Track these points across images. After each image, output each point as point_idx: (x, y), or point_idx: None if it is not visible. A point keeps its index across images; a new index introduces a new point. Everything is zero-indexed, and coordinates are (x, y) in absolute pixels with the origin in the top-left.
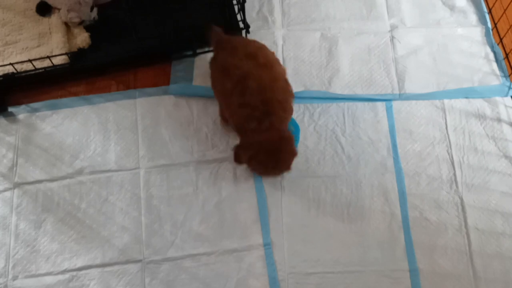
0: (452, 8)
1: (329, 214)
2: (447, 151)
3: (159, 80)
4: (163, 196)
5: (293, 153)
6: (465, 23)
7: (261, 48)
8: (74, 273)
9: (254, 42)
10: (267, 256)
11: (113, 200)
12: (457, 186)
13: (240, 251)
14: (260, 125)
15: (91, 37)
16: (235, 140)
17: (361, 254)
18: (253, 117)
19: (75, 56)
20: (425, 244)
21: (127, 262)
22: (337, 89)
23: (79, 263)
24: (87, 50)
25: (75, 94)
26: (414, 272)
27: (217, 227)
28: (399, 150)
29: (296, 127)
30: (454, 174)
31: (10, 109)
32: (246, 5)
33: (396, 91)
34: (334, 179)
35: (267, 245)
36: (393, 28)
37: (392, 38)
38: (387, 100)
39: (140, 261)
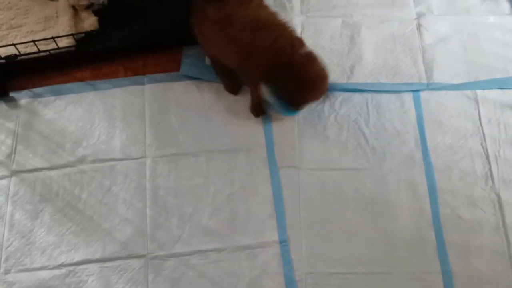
0: None
1: (352, 209)
2: (481, 144)
3: (169, 67)
4: (171, 187)
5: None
6: (497, 11)
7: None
8: (72, 267)
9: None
10: (283, 254)
11: (116, 191)
12: (493, 182)
13: (253, 248)
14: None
15: (99, 21)
16: (248, 127)
17: (387, 253)
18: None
19: (82, 40)
20: (459, 244)
21: (129, 257)
22: (360, 77)
23: (77, 257)
24: (95, 34)
25: (80, 79)
26: (447, 274)
27: (228, 221)
28: (428, 143)
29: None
30: (490, 169)
31: (12, 94)
32: None
33: (424, 81)
34: (357, 172)
35: (283, 242)
36: (419, 15)
37: (419, 26)
38: (414, 90)
39: (143, 256)
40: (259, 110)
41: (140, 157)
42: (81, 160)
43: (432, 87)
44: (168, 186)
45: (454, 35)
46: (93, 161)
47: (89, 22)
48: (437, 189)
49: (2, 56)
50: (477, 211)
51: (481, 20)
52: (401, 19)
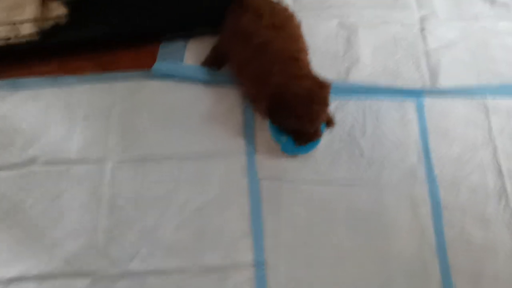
0: (492, 2)
1: (342, 230)
2: (493, 157)
3: (144, 63)
4: (132, 196)
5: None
6: (508, 17)
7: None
8: (1, 286)
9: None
10: (257, 279)
11: (68, 197)
12: (507, 201)
13: (223, 270)
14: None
15: (69, 12)
16: (228, 132)
17: (383, 283)
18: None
19: (48, 31)
20: (468, 272)
21: (74, 274)
22: (356, 81)
23: (12, 272)
24: (63, 26)
25: (43, 74)
26: None
27: (196, 237)
28: (432, 155)
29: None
30: (503, 186)
31: None
32: None
33: (428, 86)
34: (350, 187)
35: (259, 265)
36: (423, 19)
37: (422, 30)
38: (417, 93)
39: (90, 274)
40: (213, 60)
41: (100, 160)
42: (32, 160)
43: (437, 91)
44: (129, 195)
45: (461, 41)
46: (45, 163)
47: (58, 12)
48: (441, 207)
49: None
50: (489, 233)
51: (491, 26)
52: (402, 22)
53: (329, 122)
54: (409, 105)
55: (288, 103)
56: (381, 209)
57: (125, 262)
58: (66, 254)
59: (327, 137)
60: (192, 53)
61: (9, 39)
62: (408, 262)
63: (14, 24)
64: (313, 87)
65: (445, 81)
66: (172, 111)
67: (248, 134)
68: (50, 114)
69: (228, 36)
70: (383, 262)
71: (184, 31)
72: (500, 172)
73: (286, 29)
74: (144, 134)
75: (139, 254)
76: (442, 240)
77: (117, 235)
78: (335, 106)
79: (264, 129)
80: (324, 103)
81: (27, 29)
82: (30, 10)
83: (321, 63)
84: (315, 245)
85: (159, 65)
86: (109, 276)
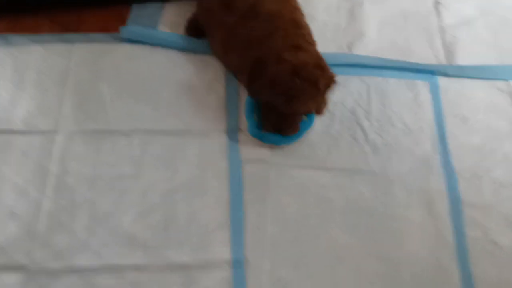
0: None
1: (340, 225)
2: None
3: (111, 26)
4: (85, 174)
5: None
6: None
7: None
8: None
9: None
10: (235, 281)
11: (6, 172)
12: None
13: (192, 269)
14: None
15: None
16: (206, 106)
17: None
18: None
19: None
20: (493, 280)
21: (4, 268)
22: None
23: None
24: None
25: None
26: None
27: (160, 228)
28: (449, 142)
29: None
30: None
31: None
32: None
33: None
34: (351, 175)
35: (237, 264)
36: None
37: (436, 4)
38: (431, 71)
39: (24, 268)
40: (194, 28)
41: (50, 131)
42: None
43: (454, 70)
44: (82, 173)
45: (480, 18)
46: None
47: None
48: (461, 203)
49: None
50: None
51: None
52: None
53: (319, 110)
54: (422, 85)
55: (270, 70)
56: (388, 203)
57: (70, 254)
58: None
59: (324, 117)
60: (169, 18)
61: None
62: (421, 267)
63: None
64: (307, 63)
65: (462, 61)
66: (140, 80)
67: (231, 109)
68: None
69: (206, 4)
70: (390, 266)
71: None
72: None
73: None
74: (104, 105)
75: (89, 246)
76: (463, 243)
77: (63, 221)
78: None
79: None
80: (314, 85)
81: None
82: None
83: (320, 35)
84: (307, 242)
85: (129, 28)
86: (48, 270)
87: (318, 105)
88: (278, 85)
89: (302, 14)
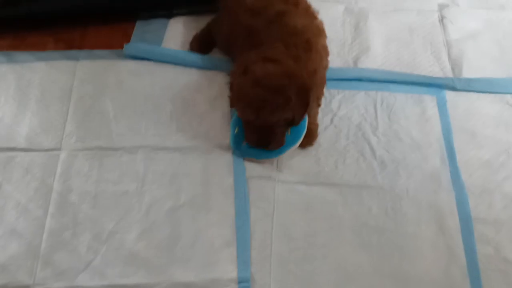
0: None
1: (349, 243)
2: None
3: (116, 42)
4: (88, 192)
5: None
6: None
7: None
8: None
9: None
10: None
11: (8, 190)
12: None
13: None
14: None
15: None
16: (211, 122)
17: None
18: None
19: (5, 1)
20: None
21: (3, 286)
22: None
23: None
24: None
25: None
26: None
27: (165, 246)
28: (458, 158)
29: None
30: None
31: None
32: None
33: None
34: (359, 192)
35: (244, 283)
36: (442, 7)
37: (442, 18)
38: (438, 86)
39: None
40: (200, 44)
41: (53, 149)
42: None
43: (462, 84)
44: (85, 190)
45: (487, 32)
46: None
47: None
48: (472, 219)
49: None
50: None
51: None
52: (418, 9)
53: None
54: (430, 99)
55: (236, 82)
56: (397, 220)
57: (72, 274)
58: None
59: (331, 132)
60: (173, 35)
61: None
62: (433, 286)
63: None
64: (271, 73)
65: (469, 74)
66: (144, 97)
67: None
68: None
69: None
70: (402, 285)
71: (163, 10)
72: None
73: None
74: (108, 121)
75: (92, 265)
76: (474, 260)
77: (66, 239)
78: (342, 97)
79: None
80: (279, 93)
81: None
82: None
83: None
84: (314, 260)
85: (133, 44)
86: None
87: (293, 116)
88: (243, 96)
89: (319, 36)
